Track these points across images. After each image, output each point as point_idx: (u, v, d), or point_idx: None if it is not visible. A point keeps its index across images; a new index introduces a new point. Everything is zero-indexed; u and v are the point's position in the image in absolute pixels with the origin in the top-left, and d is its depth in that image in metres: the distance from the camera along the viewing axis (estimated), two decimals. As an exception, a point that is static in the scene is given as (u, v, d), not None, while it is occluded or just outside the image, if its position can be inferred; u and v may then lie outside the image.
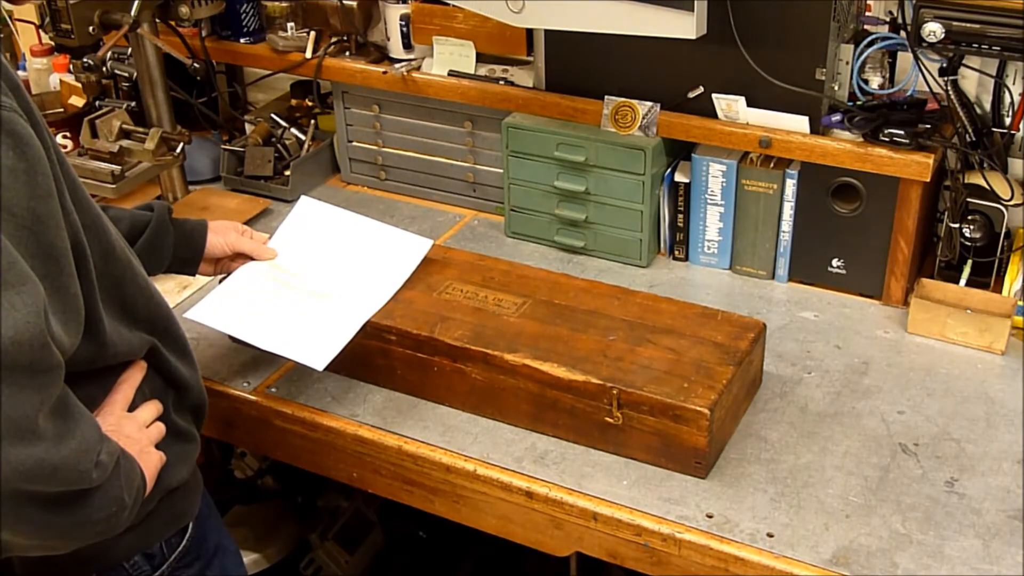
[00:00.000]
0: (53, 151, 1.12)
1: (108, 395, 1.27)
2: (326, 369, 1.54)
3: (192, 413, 1.40)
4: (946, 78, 1.72)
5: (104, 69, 2.08)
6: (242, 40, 2.29)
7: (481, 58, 2.05)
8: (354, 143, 2.25)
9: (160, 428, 1.30)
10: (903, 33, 1.72)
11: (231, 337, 1.70)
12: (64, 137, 2.25)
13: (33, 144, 1.06)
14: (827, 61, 1.71)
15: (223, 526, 1.53)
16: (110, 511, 1.16)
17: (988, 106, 1.79)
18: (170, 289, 1.87)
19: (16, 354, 1.02)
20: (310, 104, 2.36)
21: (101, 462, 1.12)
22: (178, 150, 2.02)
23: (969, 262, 1.79)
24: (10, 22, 2.65)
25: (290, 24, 2.23)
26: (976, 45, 1.58)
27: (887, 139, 1.71)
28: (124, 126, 2.01)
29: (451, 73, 2.06)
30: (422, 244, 1.74)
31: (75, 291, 1.13)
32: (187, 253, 1.59)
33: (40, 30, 2.48)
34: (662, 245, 1.99)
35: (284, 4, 2.25)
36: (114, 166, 1.97)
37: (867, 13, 1.79)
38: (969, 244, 1.79)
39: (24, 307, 1.02)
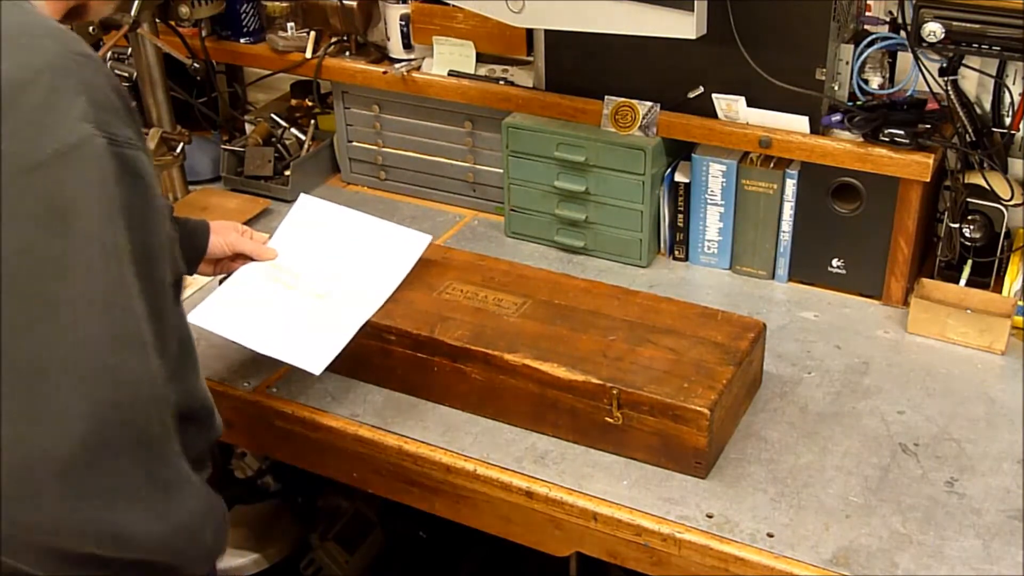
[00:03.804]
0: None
1: None
2: (326, 369, 1.54)
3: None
4: (946, 78, 1.72)
5: (104, 69, 2.08)
6: (242, 40, 2.29)
7: (481, 58, 2.05)
8: (354, 143, 2.25)
9: None
10: (903, 33, 1.72)
11: (231, 338, 1.70)
12: (64, 137, 2.25)
13: (148, 175, 1.01)
14: (827, 61, 1.71)
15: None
16: None
17: (988, 106, 1.79)
18: (170, 289, 1.86)
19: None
20: (310, 104, 2.36)
21: None
22: (178, 150, 2.02)
23: (969, 262, 1.79)
24: (10, 22, 2.65)
25: (290, 24, 2.22)
26: (976, 45, 1.58)
27: (887, 139, 1.70)
28: (124, 126, 2.01)
29: (451, 73, 2.06)
30: (421, 239, 1.74)
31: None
32: (189, 252, 1.59)
33: (40, 30, 2.48)
34: (662, 245, 1.99)
35: (284, 4, 2.25)
36: (114, 166, 1.97)
37: (867, 13, 1.79)
38: (969, 244, 1.79)
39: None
